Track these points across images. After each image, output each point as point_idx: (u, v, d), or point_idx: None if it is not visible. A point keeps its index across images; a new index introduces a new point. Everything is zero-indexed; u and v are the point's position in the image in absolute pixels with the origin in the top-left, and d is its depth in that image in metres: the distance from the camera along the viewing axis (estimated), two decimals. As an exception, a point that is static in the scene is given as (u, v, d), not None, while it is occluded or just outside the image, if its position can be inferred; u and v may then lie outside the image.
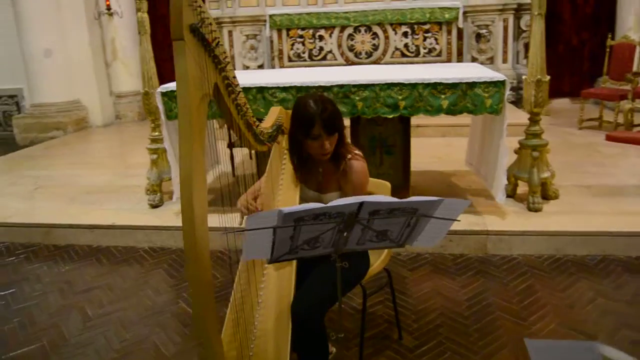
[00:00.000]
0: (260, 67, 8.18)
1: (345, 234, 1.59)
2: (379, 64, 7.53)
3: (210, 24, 1.58)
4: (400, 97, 3.47)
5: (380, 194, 2.47)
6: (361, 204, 1.49)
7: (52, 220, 4.04)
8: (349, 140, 2.20)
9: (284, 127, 2.22)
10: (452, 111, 3.46)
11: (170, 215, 4.03)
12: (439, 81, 3.42)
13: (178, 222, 3.83)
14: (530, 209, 3.79)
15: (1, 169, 5.98)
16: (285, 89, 3.55)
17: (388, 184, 2.49)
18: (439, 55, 7.46)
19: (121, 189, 4.77)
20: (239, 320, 1.95)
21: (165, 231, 3.87)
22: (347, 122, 3.83)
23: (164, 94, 3.77)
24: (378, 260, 2.41)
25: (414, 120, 6.29)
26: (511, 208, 3.84)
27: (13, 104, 8.30)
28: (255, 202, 2.09)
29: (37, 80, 7.53)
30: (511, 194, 4.04)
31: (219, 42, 1.60)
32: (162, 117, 3.81)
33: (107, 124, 8.21)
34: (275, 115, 2.18)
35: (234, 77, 1.74)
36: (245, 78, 3.80)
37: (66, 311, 3.05)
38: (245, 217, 1.70)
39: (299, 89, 3.56)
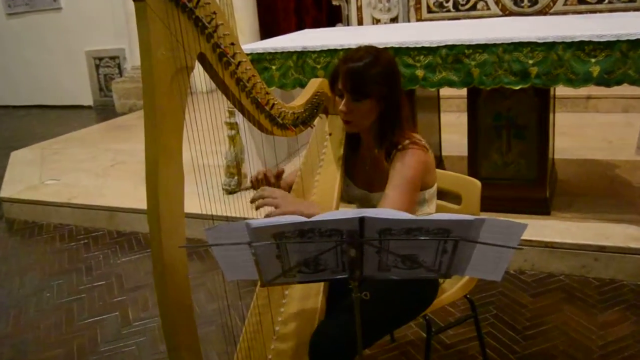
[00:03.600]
0: (394, 20, 7.99)
1: (354, 256, 1.46)
2: (546, 14, 6.93)
3: (188, -22, 1.50)
4: (531, 62, 3.12)
5: (467, 195, 2.30)
6: (362, 219, 1.34)
7: (118, 202, 4.35)
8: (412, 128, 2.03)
9: (327, 104, 2.09)
10: (605, 81, 3.03)
11: (245, 205, 4.08)
12: (586, 39, 3.01)
13: (254, 213, 3.87)
14: None
15: (89, 139, 6.59)
16: (378, 51, 3.38)
17: (478, 183, 2.25)
18: (632, 0, 6.66)
19: (202, 169, 4.95)
20: (251, 352, 1.89)
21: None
22: (462, 93, 3.63)
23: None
24: (456, 285, 2.20)
25: (584, 91, 5.82)
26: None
27: (115, 67, 9.06)
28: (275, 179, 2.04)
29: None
30: None
31: (199, 1, 1.52)
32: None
33: (214, 89, 8.62)
34: (312, 90, 2.05)
35: (232, 43, 1.65)
36: (333, 37, 3.69)
37: (108, 311, 3.26)
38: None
39: (396, 50, 3.37)
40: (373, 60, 1.88)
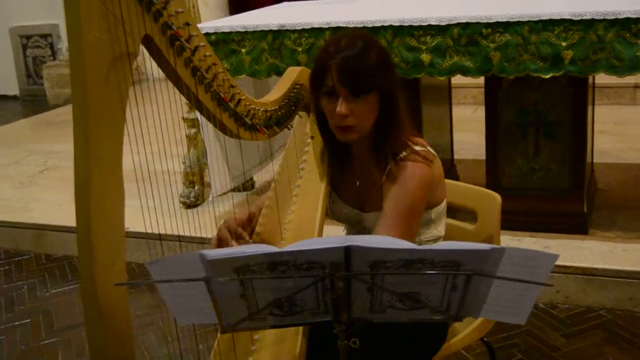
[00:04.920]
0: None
1: (339, 295, 1.44)
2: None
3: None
4: (564, 44, 3.13)
5: (484, 212, 2.30)
6: (348, 249, 1.33)
7: (48, 219, 4.32)
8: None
9: (308, 100, 2.08)
10: (657, 68, 3.06)
11: (206, 222, 4.06)
12: (633, 16, 3.02)
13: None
14: None
15: (13, 138, 6.59)
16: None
17: (498, 198, 2.25)
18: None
19: (156, 176, 4.93)
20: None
21: (197, 245, 3.91)
22: (479, 81, 3.63)
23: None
24: (470, 325, 2.20)
25: (630, 79, 5.83)
26: None
27: (46, 47, 9.02)
28: (247, 225, 2.03)
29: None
30: None
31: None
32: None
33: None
34: (290, 81, 2.05)
35: (187, 23, 1.63)
36: (318, 13, 3.65)
37: (33, 357, 3.23)
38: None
39: (397, 30, 3.36)
40: (366, 45, 1.87)
